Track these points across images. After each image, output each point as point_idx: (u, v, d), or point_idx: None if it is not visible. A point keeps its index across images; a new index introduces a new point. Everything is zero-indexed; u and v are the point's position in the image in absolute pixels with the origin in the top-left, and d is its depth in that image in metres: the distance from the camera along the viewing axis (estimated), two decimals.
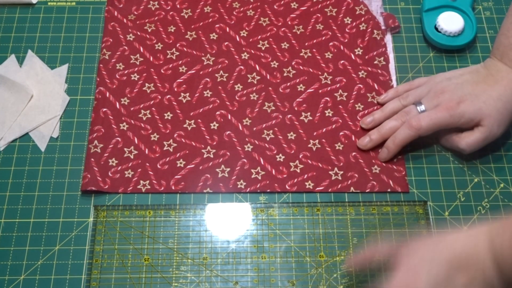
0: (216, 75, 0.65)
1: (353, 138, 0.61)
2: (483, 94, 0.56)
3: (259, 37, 0.68)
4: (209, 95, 0.63)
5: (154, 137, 0.61)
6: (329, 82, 0.64)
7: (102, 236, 0.55)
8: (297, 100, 0.63)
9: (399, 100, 0.61)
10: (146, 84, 0.64)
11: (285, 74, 0.65)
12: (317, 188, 0.58)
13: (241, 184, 0.58)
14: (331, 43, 0.67)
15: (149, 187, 0.58)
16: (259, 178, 0.58)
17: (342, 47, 0.67)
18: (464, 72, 0.60)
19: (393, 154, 0.59)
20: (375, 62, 0.66)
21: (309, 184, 0.58)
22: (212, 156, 0.60)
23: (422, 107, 0.58)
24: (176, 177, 0.58)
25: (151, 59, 0.65)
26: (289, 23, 0.69)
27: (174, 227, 0.56)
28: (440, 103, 0.57)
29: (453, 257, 0.44)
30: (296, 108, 0.63)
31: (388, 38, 0.68)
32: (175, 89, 0.64)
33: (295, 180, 0.58)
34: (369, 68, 0.65)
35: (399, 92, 0.62)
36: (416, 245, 0.47)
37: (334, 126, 0.62)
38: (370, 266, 0.53)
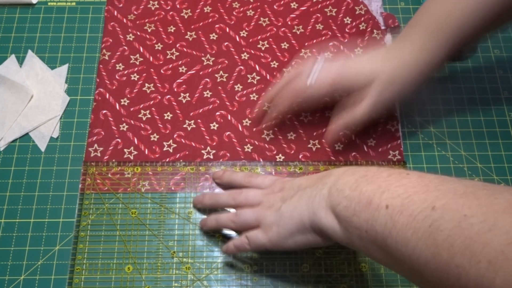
0: (216, 75, 0.65)
1: (353, 138, 0.61)
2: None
3: (259, 37, 0.68)
4: (209, 96, 0.63)
5: (154, 137, 0.61)
6: None
7: (101, 238, 0.55)
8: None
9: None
10: (146, 84, 0.64)
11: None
12: None
13: None
14: (331, 43, 0.67)
15: (148, 187, 0.58)
16: None
17: (342, 47, 0.67)
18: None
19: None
20: None
21: None
22: (212, 156, 0.60)
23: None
24: (176, 177, 0.58)
25: (151, 59, 0.66)
26: (289, 23, 0.69)
27: (175, 225, 0.56)
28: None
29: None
30: (296, 109, 0.63)
31: (388, 38, 0.68)
32: (175, 89, 0.64)
33: None
34: None
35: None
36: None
37: None
38: None
